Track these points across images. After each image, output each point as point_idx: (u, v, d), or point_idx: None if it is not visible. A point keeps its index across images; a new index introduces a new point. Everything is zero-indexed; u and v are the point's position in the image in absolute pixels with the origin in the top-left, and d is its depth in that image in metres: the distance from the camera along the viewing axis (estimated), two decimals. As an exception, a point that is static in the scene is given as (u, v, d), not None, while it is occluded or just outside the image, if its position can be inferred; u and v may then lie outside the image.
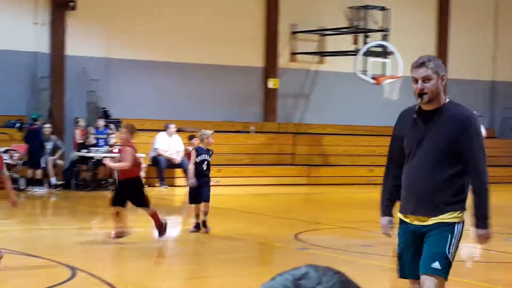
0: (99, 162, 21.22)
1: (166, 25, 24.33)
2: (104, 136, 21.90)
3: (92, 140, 21.54)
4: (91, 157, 21.22)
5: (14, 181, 20.23)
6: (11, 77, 22.15)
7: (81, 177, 21.47)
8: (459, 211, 5.81)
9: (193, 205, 13.17)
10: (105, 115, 23.01)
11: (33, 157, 20.56)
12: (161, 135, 22.26)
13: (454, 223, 5.76)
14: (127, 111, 23.43)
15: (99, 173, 21.49)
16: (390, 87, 24.14)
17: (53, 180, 21.11)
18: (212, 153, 13.42)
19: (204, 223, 13.10)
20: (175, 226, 14.95)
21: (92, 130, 21.90)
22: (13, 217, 15.04)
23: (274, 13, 25.94)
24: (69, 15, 22.90)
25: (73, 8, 22.78)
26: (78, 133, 21.86)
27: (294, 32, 26.41)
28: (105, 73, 23.57)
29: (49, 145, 21.17)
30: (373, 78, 24.26)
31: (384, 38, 24.95)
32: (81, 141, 21.67)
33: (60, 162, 21.55)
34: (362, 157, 25.72)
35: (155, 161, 22.25)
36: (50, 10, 22.73)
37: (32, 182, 20.52)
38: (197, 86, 24.87)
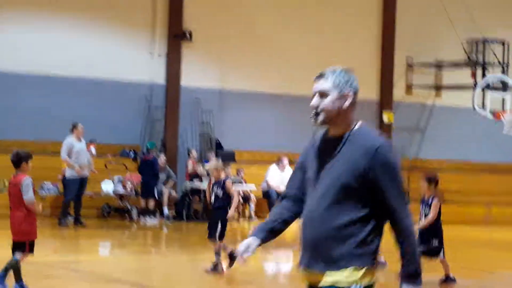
0: (210, 193, 21.19)
1: (280, 57, 24.23)
2: (215, 167, 21.85)
3: (203, 171, 21.53)
4: (203, 188, 21.18)
5: (127, 211, 20.39)
6: (127, 107, 22.44)
7: (193, 208, 21.46)
8: (364, 267, 4.36)
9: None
10: (218, 146, 23.02)
11: (147, 187, 20.64)
12: (273, 168, 22.04)
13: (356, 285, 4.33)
14: (240, 142, 23.39)
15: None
16: (510, 122, 23.29)
17: (166, 211, 21.16)
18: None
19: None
20: (287, 261, 14.64)
21: (202, 162, 21.92)
22: (126, 247, 15.05)
23: (390, 45, 25.54)
24: (185, 46, 23.10)
25: (189, 39, 22.98)
26: (190, 164, 21.91)
27: (410, 65, 25.91)
28: (219, 104, 23.62)
29: (162, 175, 21.25)
30: (492, 113, 23.48)
31: (504, 72, 24.17)
32: (193, 172, 21.70)
33: (173, 192, 21.61)
34: (479, 195, 24.85)
35: (266, 193, 22.04)
36: (167, 41, 22.99)
37: (145, 212, 20.60)
38: (310, 118, 24.58)
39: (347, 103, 4.52)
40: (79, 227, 18.04)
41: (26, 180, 9.29)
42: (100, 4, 22.22)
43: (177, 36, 22.95)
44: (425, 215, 11.11)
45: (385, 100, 25.56)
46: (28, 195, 9.21)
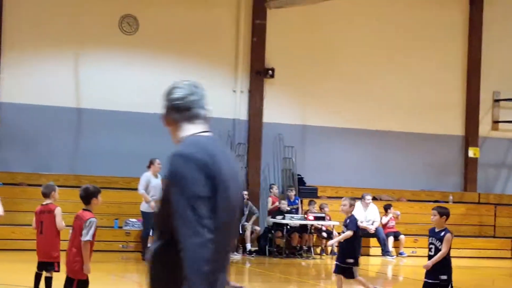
0: (293, 229, 21.14)
1: (362, 93, 24.12)
2: (295, 206, 21.83)
3: (286, 206, 21.48)
4: (286, 224, 21.13)
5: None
6: (208, 143, 22.56)
7: (275, 243, 21.40)
8: None
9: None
10: (300, 181, 22.96)
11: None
12: (357, 205, 21.81)
13: None
14: (322, 178, 23.29)
15: (293, 240, 21.34)
16: None
17: (249, 246, 21.15)
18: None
19: None
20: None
21: (285, 198, 21.87)
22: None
23: (476, 81, 25.15)
24: (267, 82, 23.21)
25: (272, 76, 23.09)
26: (269, 200, 21.93)
27: (497, 100, 25.44)
28: (301, 140, 23.60)
29: (245, 211, 21.28)
30: None
31: None
32: (272, 208, 21.67)
33: (257, 228, 21.60)
34: None
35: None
36: (249, 78, 23.15)
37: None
38: (394, 154, 24.38)
39: (170, 116, 4.42)
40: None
41: (92, 221, 9.28)
42: (183, 41, 22.54)
43: (259, 73, 23.09)
44: (435, 248, 10.98)
45: (471, 135, 25.11)
46: (86, 238, 9.17)
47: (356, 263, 12.30)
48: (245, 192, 21.45)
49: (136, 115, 21.98)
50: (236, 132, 23.03)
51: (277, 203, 21.75)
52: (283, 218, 21.15)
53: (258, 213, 21.83)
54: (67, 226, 11.06)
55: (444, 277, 10.86)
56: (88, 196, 9.38)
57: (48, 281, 11.18)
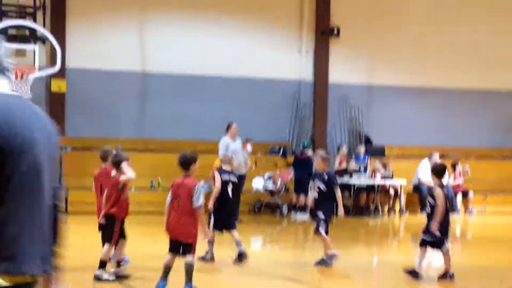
0: (360, 189, 21.07)
1: (430, 49, 23.78)
2: (364, 163, 21.71)
3: (353, 167, 21.40)
4: (353, 184, 21.07)
5: (277, 206, 20.54)
6: (276, 105, 22.61)
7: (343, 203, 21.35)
8: None
9: None
10: (367, 141, 22.82)
11: (300, 184, 20.72)
12: (425, 163, 21.61)
13: None
14: (389, 137, 23.12)
15: (360, 199, 21.28)
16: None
17: (316, 207, 21.18)
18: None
19: None
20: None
21: (352, 157, 21.81)
22: (278, 242, 15.12)
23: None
24: (332, 42, 23.03)
25: (337, 35, 22.89)
26: (337, 160, 21.81)
27: None
28: (367, 100, 23.42)
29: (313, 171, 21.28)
30: None
31: None
32: (340, 168, 21.59)
33: (322, 188, 21.59)
34: None
35: (417, 188, 21.67)
36: (314, 38, 22.98)
37: (295, 208, 20.69)
38: (462, 111, 24.05)
39: None
40: (237, 223, 18.31)
41: (199, 186, 9.35)
42: (248, 3, 22.48)
43: (324, 33, 22.92)
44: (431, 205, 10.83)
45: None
46: (199, 202, 9.24)
47: (326, 219, 11.75)
48: (311, 153, 21.40)
49: (201, 78, 22.08)
50: (302, 94, 22.95)
51: (344, 164, 21.67)
52: (350, 178, 21.09)
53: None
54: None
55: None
56: (187, 163, 9.47)
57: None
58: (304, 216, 20.49)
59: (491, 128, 24.32)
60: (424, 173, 21.41)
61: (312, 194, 12.08)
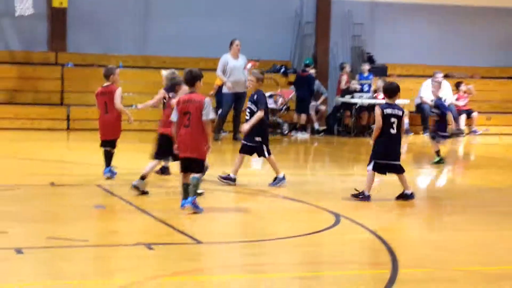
0: (362, 108, 21.05)
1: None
2: (369, 81, 21.64)
3: (356, 85, 21.34)
4: (355, 103, 21.04)
5: (278, 126, 20.56)
6: (277, 23, 22.40)
7: (344, 123, 21.40)
8: None
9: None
10: (370, 60, 22.68)
11: (301, 103, 20.72)
12: (427, 83, 21.52)
13: None
14: (392, 56, 22.97)
15: (362, 119, 21.29)
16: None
17: (316, 126, 21.22)
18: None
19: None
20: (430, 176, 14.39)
21: (356, 75, 21.74)
22: (278, 161, 15.16)
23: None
24: (330, -44, 22.70)
25: None
26: (343, 79, 21.71)
27: None
28: (370, 17, 23.18)
29: (313, 90, 21.22)
30: None
31: None
32: (345, 87, 21.52)
33: (323, 108, 21.59)
34: None
35: (419, 108, 21.65)
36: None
37: (296, 127, 20.73)
38: (467, 30, 23.81)
39: None
40: (237, 142, 18.36)
41: (208, 100, 9.43)
42: None
43: None
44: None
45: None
46: (209, 116, 9.35)
47: (265, 141, 11.53)
48: (313, 71, 21.31)
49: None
50: (304, 11, 22.70)
51: (347, 83, 21.58)
52: (352, 98, 21.06)
53: (327, 93, 21.75)
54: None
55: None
56: (193, 79, 9.54)
57: (110, 155, 11.86)
58: (305, 135, 20.57)
59: (496, 47, 24.11)
60: (426, 93, 21.37)
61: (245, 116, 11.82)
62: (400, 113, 10.69)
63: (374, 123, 20.91)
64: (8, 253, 7.26)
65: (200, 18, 21.68)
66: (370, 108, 21.10)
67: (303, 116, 20.76)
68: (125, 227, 8.92)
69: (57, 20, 20.80)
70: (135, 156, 13.62)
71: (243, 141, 11.74)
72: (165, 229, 8.70)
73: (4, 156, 14.29)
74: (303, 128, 20.78)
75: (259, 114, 11.45)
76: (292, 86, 21.12)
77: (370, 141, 10.42)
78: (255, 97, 11.59)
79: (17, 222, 8.81)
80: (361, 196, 10.68)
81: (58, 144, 12.99)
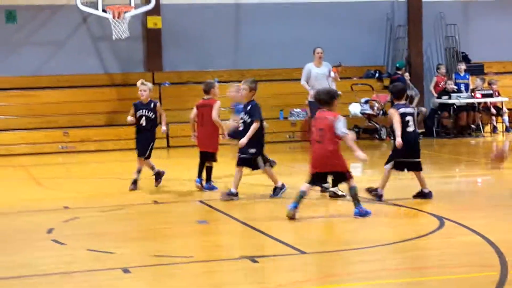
0: (460, 108, 20.68)
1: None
2: (466, 81, 21.27)
3: (451, 86, 21.00)
4: (452, 104, 20.69)
5: (375, 131, 20.38)
6: (369, 28, 22.27)
7: (442, 124, 21.06)
8: None
9: None
10: (465, 59, 22.29)
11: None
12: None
13: None
14: (488, 53, 22.50)
15: (461, 119, 20.91)
16: None
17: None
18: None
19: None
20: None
21: (452, 75, 21.40)
22: (377, 166, 15.03)
23: None
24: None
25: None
26: (435, 80, 21.40)
27: None
28: (463, 16, 22.78)
29: (408, 93, 20.97)
30: None
31: None
32: (442, 87, 21.21)
33: (422, 109, 21.31)
34: None
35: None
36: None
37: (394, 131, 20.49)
38: None
39: None
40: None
41: (340, 117, 9.76)
42: None
43: (415, -51, 22.29)
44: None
45: None
46: (345, 131, 9.76)
47: (259, 153, 11.22)
48: (407, 74, 21.08)
49: (292, 4, 21.88)
50: (395, 14, 22.49)
51: (442, 83, 21.28)
52: (449, 98, 20.71)
53: (418, 94, 21.47)
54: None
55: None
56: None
57: (209, 170, 12.28)
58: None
59: None
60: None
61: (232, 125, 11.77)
62: (412, 111, 10.91)
63: (473, 122, 20.69)
64: (116, 274, 7.39)
65: (290, 28, 21.72)
66: (469, 107, 20.72)
67: (400, 120, 20.51)
68: (228, 241, 8.99)
69: (152, 41, 21.21)
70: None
71: (238, 154, 11.37)
72: (268, 241, 8.72)
73: (108, 177, 14.61)
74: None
75: (255, 126, 11.15)
76: (388, 91, 20.93)
77: (398, 142, 10.50)
78: (249, 108, 11.29)
79: (123, 242, 8.97)
80: (374, 193, 10.89)
81: (158, 162, 13.20)
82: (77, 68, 20.59)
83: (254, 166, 11.34)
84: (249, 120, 11.24)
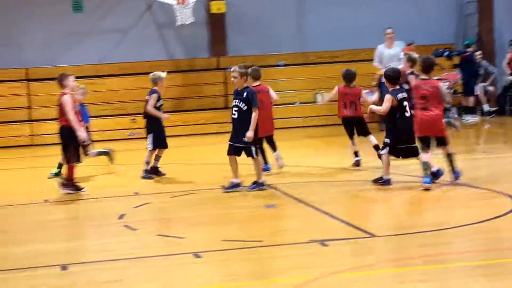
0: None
1: None
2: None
3: (525, 63, 20.50)
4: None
5: (446, 110, 20.01)
6: (437, 5, 21.85)
7: (515, 102, 20.61)
8: None
9: None
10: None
11: (466, 85, 20.14)
12: None
13: None
14: None
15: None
16: None
17: (486, 107, 20.52)
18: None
19: None
20: None
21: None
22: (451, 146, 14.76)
23: None
24: None
25: None
26: (509, 57, 20.90)
27: None
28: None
29: (480, 71, 20.56)
30: None
31: None
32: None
33: (491, 88, 20.86)
34: None
35: None
36: None
37: (465, 110, 20.13)
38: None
39: None
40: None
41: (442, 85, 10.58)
42: None
43: None
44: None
45: None
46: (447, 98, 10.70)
47: (254, 141, 10.78)
48: (478, 52, 20.63)
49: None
50: (464, -10, 22.05)
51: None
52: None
53: (495, 72, 21.01)
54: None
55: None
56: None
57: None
58: (474, 118, 19.94)
59: None
60: None
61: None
62: (406, 95, 10.77)
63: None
64: (187, 258, 7.41)
65: (355, 8, 21.45)
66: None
67: (471, 99, 20.14)
68: (297, 225, 8.91)
69: (217, 26, 21.19)
70: (302, 152, 13.65)
71: (229, 142, 10.99)
72: (338, 225, 8.62)
73: (177, 163, 14.66)
74: (471, 111, 20.15)
75: (255, 115, 10.76)
76: (458, 69, 20.55)
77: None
78: (245, 95, 10.83)
79: (193, 226, 8.99)
80: (381, 181, 10.65)
81: (226, 146, 13.19)
82: (141, 55, 20.71)
83: (247, 154, 10.87)
84: (245, 108, 10.82)
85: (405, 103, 10.64)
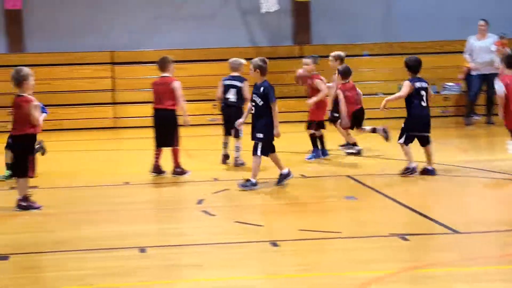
0: None
1: None
2: None
3: None
4: None
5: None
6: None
7: None
8: None
9: None
10: None
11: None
12: None
13: None
14: None
15: None
16: None
17: None
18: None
19: None
20: None
21: None
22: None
23: None
24: None
25: None
26: None
27: None
28: None
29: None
30: None
31: None
32: None
33: None
34: None
35: None
36: None
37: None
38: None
39: None
40: (490, 126, 17.70)
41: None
42: None
43: None
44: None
45: None
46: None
47: (265, 138, 10.30)
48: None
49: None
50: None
51: None
52: None
53: None
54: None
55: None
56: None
57: (314, 140, 12.98)
58: None
59: None
60: None
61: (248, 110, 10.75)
62: (426, 85, 11.07)
63: None
64: (264, 246, 7.38)
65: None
66: None
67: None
68: (378, 218, 8.77)
69: (301, 14, 21.07)
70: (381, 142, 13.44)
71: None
72: (420, 219, 8.45)
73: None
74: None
75: (277, 110, 10.35)
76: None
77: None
78: (262, 89, 10.39)
79: (271, 214, 8.96)
80: (409, 171, 10.86)
81: (305, 136, 13.12)
82: (225, 41, 20.73)
83: (253, 149, 10.46)
84: (261, 103, 10.41)
85: (423, 92, 10.93)
